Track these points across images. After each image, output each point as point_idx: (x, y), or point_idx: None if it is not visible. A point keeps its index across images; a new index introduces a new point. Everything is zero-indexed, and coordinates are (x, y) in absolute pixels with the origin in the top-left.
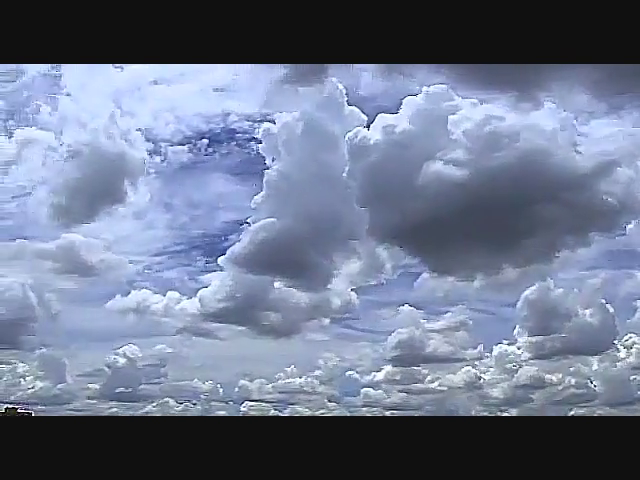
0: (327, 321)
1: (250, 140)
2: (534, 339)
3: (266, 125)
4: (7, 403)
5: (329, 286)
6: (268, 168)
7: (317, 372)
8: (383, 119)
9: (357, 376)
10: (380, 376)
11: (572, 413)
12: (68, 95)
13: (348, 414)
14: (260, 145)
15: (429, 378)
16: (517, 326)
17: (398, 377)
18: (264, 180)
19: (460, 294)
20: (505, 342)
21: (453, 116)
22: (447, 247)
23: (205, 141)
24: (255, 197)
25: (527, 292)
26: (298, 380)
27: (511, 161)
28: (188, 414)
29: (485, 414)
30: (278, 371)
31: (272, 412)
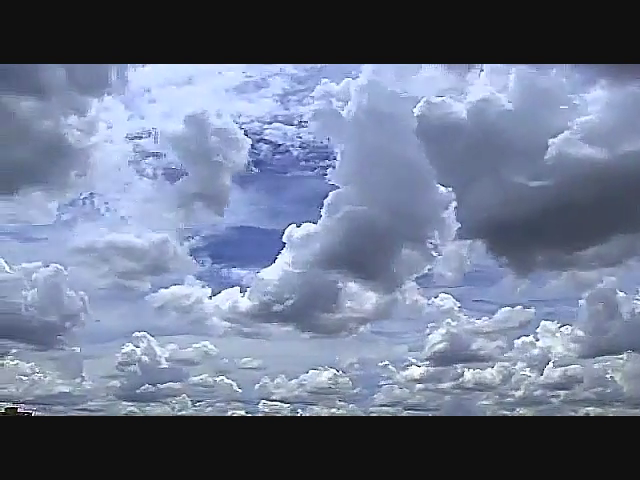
0: (381, 322)
1: (259, 141)
2: (592, 337)
3: (318, 105)
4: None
5: (399, 287)
6: (330, 154)
7: (356, 372)
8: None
9: (397, 375)
10: (417, 374)
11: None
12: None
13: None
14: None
15: (467, 375)
16: (574, 325)
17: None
18: (332, 171)
19: (534, 294)
20: (557, 342)
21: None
22: (533, 246)
23: None
24: (331, 194)
25: (591, 291)
26: (335, 379)
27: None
28: (202, 414)
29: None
30: (309, 370)
31: (289, 412)
